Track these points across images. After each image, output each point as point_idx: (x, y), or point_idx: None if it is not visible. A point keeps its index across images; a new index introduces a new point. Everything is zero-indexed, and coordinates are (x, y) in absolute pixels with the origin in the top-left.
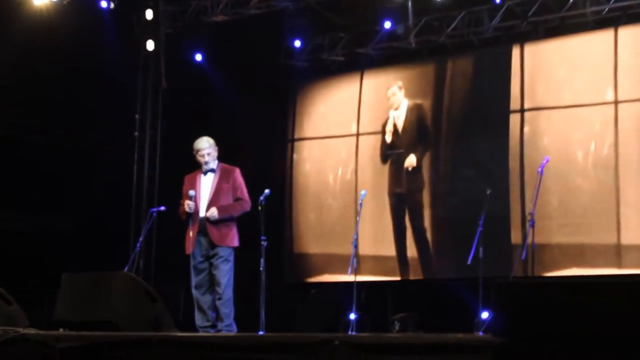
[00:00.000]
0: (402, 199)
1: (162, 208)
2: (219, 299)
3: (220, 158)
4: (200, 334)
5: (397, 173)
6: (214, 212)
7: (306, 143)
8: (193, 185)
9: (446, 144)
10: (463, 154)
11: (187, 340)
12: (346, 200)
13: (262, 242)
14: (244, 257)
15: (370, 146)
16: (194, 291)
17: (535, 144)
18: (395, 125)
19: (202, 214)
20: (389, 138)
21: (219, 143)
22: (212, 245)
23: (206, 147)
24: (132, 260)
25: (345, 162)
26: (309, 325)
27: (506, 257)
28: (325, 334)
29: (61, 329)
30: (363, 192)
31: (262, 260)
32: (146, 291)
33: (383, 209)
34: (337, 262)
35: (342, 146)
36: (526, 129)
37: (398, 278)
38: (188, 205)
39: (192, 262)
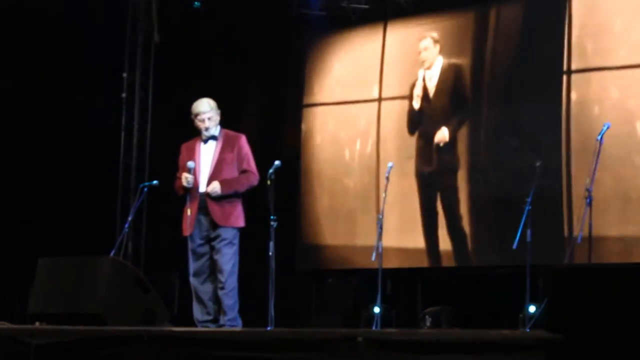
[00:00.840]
0: (432, 180)
1: (154, 182)
2: (222, 288)
3: (222, 124)
4: (200, 329)
5: (426, 148)
6: (215, 187)
7: (317, 110)
8: (191, 155)
9: (488, 108)
10: (507, 121)
11: (185, 336)
12: (365, 181)
13: (272, 223)
14: (249, 240)
15: (395, 114)
16: (192, 279)
17: (583, 113)
18: (425, 89)
19: (202, 189)
20: (417, 104)
21: (220, 107)
22: (214, 226)
23: (207, 109)
24: (119, 244)
25: (365, 134)
26: (325, 319)
27: (558, 241)
28: (347, 330)
29: (37, 323)
30: (390, 164)
31: (271, 244)
32: (137, 279)
33: (410, 192)
34: (357, 249)
35: (360, 114)
36: (573, 95)
37: (428, 266)
38: (186, 178)
39: (190, 246)
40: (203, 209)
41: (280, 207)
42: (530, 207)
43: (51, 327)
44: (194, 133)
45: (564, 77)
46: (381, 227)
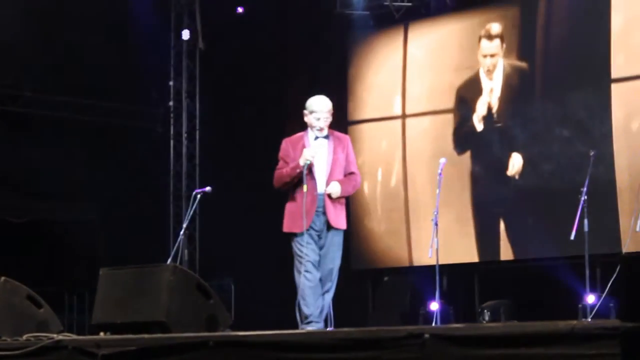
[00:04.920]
0: (499, 215)
1: (207, 189)
2: (327, 291)
3: (268, 131)
4: (264, 332)
5: (490, 181)
6: (337, 188)
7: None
8: (300, 151)
9: (540, 99)
10: (557, 111)
11: (251, 340)
12: (395, 224)
13: None
14: None
15: (424, 134)
16: (305, 281)
17: (627, 127)
18: (489, 105)
19: (320, 188)
20: (479, 125)
21: (268, 112)
22: (327, 227)
23: (326, 109)
24: (175, 252)
25: (388, 160)
26: (383, 318)
27: (613, 230)
28: (412, 327)
29: (102, 333)
30: (442, 159)
31: None
32: (199, 286)
33: (462, 190)
34: (410, 246)
35: (381, 134)
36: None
37: (484, 259)
38: (304, 157)
39: (300, 244)
40: (321, 208)
41: None
42: (586, 197)
43: (116, 336)
44: (241, 139)
45: (612, 66)
46: (436, 224)
